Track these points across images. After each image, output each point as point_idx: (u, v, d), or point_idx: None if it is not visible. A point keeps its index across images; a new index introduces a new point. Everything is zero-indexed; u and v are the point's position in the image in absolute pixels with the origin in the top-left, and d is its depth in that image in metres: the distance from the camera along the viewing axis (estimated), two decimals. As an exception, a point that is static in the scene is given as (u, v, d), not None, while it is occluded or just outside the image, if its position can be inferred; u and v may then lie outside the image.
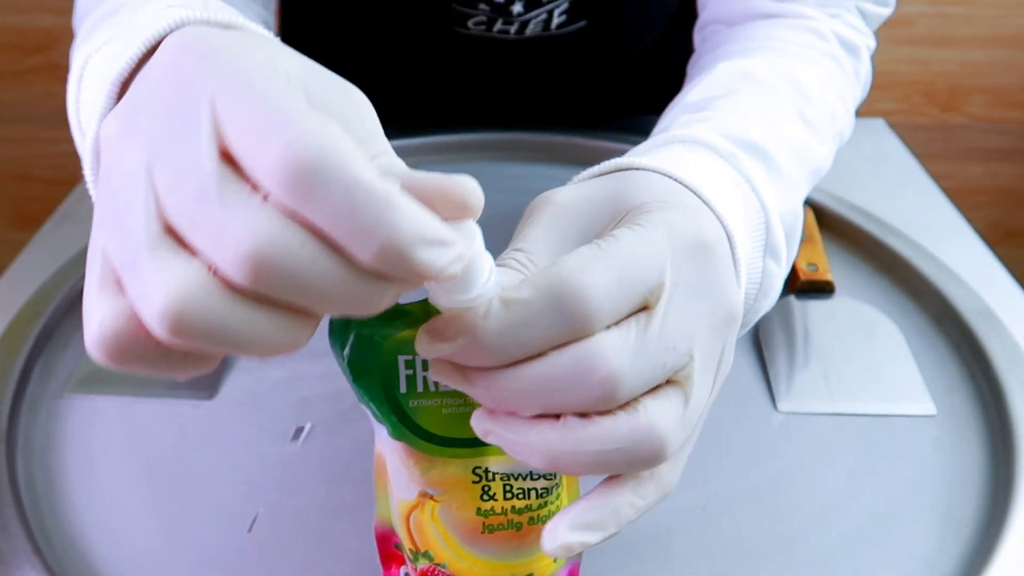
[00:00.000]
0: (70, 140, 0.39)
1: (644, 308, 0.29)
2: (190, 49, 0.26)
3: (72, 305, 0.58)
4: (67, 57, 0.43)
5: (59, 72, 1.50)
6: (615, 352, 0.28)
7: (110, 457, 0.48)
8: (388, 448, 0.33)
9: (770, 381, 0.54)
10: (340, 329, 0.31)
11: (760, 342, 0.57)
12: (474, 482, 0.33)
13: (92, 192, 0.34)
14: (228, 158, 0.23)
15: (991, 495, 0.46)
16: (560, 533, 0.29)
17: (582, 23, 0.71)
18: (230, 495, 0.46)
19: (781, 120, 0.44)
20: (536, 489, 0.33)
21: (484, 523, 0.33)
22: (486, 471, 0.33)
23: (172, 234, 0.24)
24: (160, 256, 0.23)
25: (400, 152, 0.27)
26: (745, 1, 0.54)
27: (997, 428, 0.50)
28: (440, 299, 0.27)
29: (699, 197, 0.34)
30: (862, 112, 0.54)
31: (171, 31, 0.31)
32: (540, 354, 0.28)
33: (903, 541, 0.44)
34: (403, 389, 0.32)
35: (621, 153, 0.38)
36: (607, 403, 0.28)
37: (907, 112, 1.60)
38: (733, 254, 0.34)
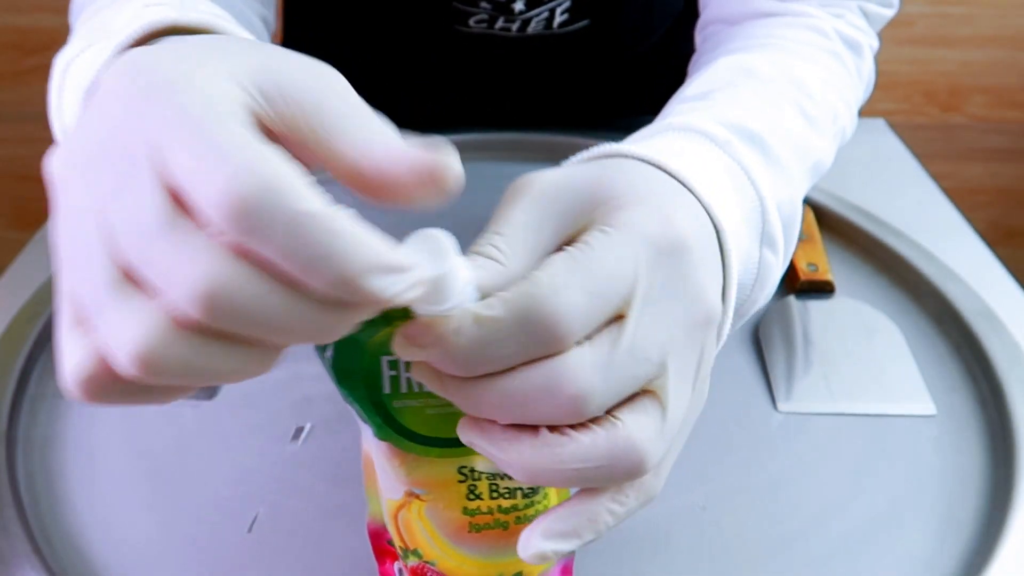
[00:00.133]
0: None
1: (618, 317, 0.29)
2: (133, 83, 0.26)
3: (72, 305, 0.58)
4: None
5: (59, 72, 1.50)
6: (584, 370, 0.27)
7: (110, 457, 0.48)
8: (374, 448, 0.33)
9: (770, 381, 0.54)
10: None
11: (760, 342, 0.57)
12: (460, 481, 0.33)
13: None
14: (176, 197, 0.23)
15: (991, 495, 0.46)
16: (533, 541, 0.29)
17: (584, 22, 0.71)
18: (230, 495, 0.46)
19: (780, 114, 0.44)
20: (522, 489, 0.33)
21: (471, 522, 0.33)
22: (472, 471, 0.33)
23: (131, 276, 0.24)
24: (121, 300, 0.23)
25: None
26: (746, 0, 0.54)
27: (997, 428, 0.50)
28: (416, 306, 0.27)
29: (685, 186, 0.34)
30: (862, 112, 0.54)
31: (143, 35, 0.32)
32: (512, 368, 0.28)
33: (903, 541, 0.44)
34: (387, 390, 0.32)
35: None
36: (577, 418, 0.28)
37: (907, 112, 1.60)
38: (722, 245, 0.33)
